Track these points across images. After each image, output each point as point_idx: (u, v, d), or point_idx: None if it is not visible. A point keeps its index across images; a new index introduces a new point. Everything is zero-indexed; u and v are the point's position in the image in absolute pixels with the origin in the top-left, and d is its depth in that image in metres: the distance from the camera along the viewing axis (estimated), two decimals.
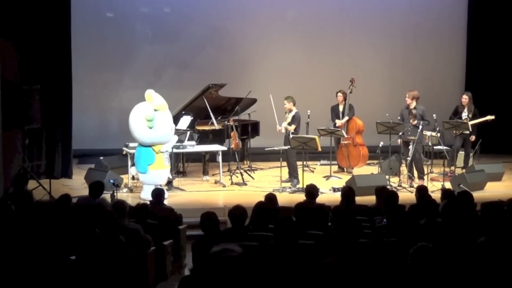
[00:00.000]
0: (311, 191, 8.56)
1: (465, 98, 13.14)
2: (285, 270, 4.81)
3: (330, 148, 13.10)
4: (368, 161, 13.57)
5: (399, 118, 12.36)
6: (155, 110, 10.65)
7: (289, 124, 12.28)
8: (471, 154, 13.43)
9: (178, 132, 11.93)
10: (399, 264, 4.93)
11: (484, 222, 6.46)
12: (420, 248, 4.49)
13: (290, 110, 12.32)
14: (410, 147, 12.04)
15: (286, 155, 12.21)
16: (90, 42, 14.71)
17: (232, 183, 12.18)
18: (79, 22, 13.96)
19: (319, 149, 11.64)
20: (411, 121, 11.98)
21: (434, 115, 12.14)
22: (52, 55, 12.58)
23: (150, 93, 10.74)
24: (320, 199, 8.82)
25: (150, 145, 10.78)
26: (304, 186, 9.64)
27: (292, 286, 4.66)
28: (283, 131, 12.37)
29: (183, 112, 12.80)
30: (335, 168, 13.49)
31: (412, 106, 12.19)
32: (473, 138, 13.09)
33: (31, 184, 11.11)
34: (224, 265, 3.78)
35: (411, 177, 12.16)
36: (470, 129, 12.69)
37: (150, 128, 10.64)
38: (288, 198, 10.89)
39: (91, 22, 14.78)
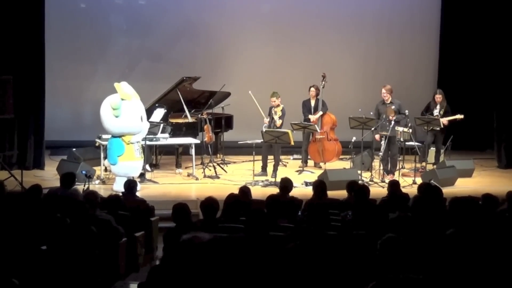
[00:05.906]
0: (286, 184, 8.59)
1: (438, 97, 13.20)
2: (255, 260, 4.85)
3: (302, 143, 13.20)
4: (341, 156, 13.65)
5: (371, 113, 12.41)
6: (122, 99, 10.67)
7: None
8: (442, 150, 13.52)
9: (151, 125, 11.92)
10: (367, 255, 5.00)
11: (452, 216, 6.55)
12: (388, 239, 4.55)
13: (278, 105, 12.32)
14: (382, 142, 12.12)
15: (273, 149, 12.23)
16: (64, 33, 14.62)
17: (204, 176, 12.18)
18: (53, 13, 13.88)
19: (292, 143, 11.69)
20: (390, 116, 11.99)
21: (407, 111, 12.25)
22: (25, 45, 12.49)
23: (119, 84, 10.81)
24: (292, 192, 8.86)
25: (119, 135, 10.77)
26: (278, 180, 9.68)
27: (262, 275, 4.70)
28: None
29: (156, 105, 12.78)
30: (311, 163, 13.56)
31: (389, 101, 12.25)
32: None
33: (3, 174, 11.09)
34: (193, 251, 3.81)
35: (387, 172, 12.23)
36: (441, 125, 12.80)
37: (116, 116, 10.64)
38: (261, 191, 10.91)
39: (64, 13, 14.69)
